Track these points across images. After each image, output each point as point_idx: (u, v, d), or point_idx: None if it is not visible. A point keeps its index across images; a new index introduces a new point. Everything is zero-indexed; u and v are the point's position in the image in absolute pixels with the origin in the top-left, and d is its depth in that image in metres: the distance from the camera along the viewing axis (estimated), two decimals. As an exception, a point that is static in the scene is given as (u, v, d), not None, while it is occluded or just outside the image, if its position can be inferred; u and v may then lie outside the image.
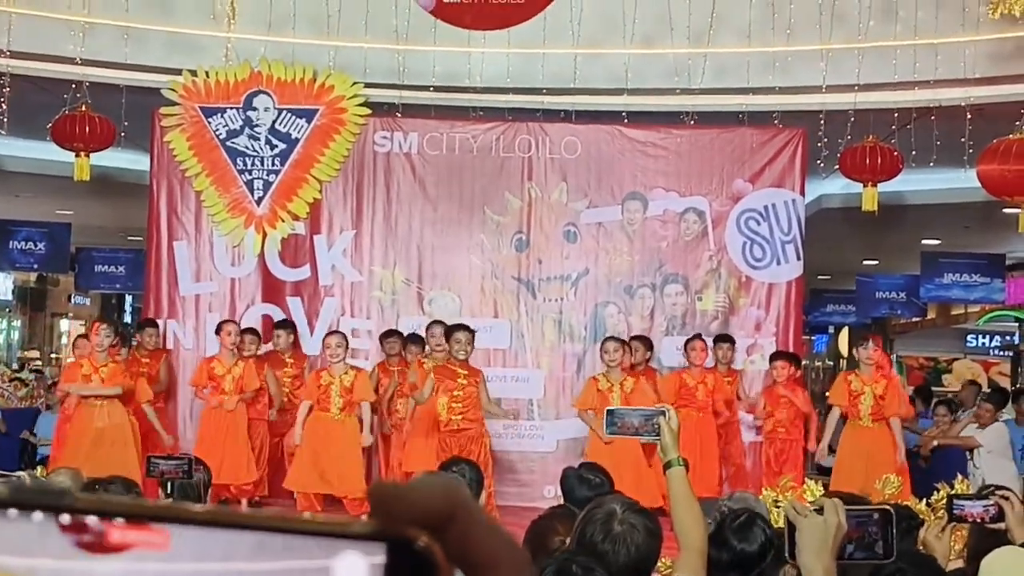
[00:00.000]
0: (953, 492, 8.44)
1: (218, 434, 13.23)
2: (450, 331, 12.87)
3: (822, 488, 10.42)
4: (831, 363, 36.86)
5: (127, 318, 32.15)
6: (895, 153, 14.15)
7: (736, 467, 14.13)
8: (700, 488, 12.50)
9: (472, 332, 12.82)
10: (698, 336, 14.00)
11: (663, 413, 4.57)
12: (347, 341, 13.25)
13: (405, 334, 14.17)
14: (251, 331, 13.97)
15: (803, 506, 3.22)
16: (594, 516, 4.32)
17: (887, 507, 3.34)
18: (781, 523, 9.65)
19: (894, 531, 3.26)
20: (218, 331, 13.65)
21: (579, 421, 13.96)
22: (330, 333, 13.47)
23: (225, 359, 13.37)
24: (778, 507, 9.86)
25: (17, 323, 32.22)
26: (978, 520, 5.38)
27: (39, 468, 10.40)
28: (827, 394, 14.04)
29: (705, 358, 13.81)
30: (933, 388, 24.21)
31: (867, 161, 14.10)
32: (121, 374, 13.13)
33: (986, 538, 5.19)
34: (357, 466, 12.99)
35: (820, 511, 3.17)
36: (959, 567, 5.54)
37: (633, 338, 14.24)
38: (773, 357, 14.02)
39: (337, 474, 12.78)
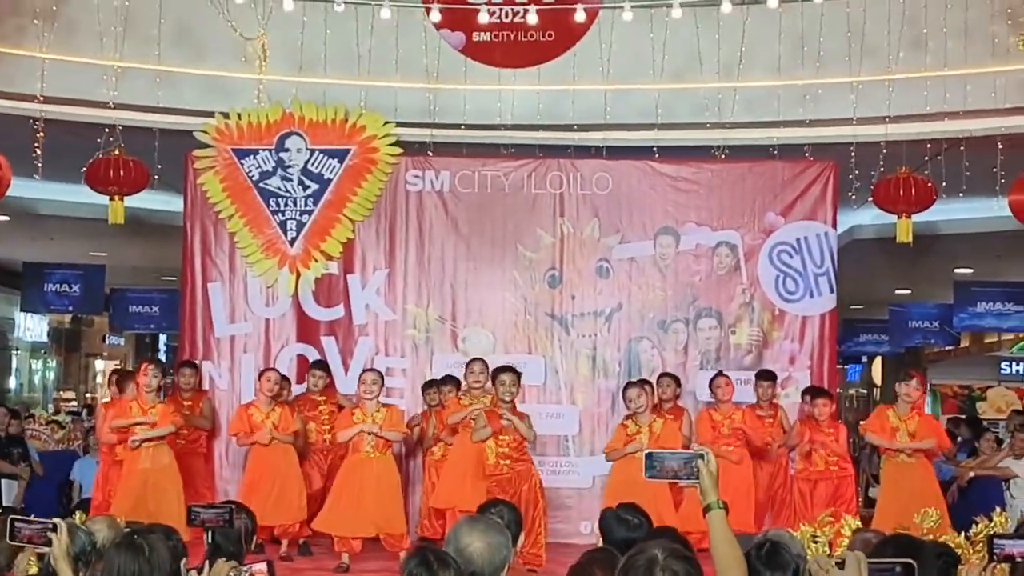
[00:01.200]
0: (993, 531, 8.39)
1: (267, 474, 13.21)
2: (496, 373, 12.81)
3: (859, 523, 10.34)
4: (864, 392, 36.77)
5: (161, 358, 32.26)
6: (928, 184, 14.12)
7: (781, 502, 14.04)
8: (736, 524, 12.55)
9: (518, 374, 12.78)
10: (720, 373, 13.96)
11: (702, 456, 4.59)
12: (383, 379, 13.22)
13: (440, 372, 14.15)
14: (284, 378, 14.01)
15: (826, 560, 3.22)
16: (636, 563, 4.31)
17: (910, 562, 3.34)
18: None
19: None
20: (260, 378, 13.63)
21: (615, 457, 14.00)
22: (367, 370, 13.41)
23: (262, 405, 13.37)
24: (816, 542, 9.84)
25: (52, 364, 32.35)
26: (1019, 559, 5.37)
27: (77, 514, 10.38)
28: (861, 424, 13.87)
29: (731, 393, 13.74)
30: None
31: (901, 192, 14.07)
32: (171, 413, 13.13)
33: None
34: (396, 502, 12.93)
35: (841, 565, 3.17)
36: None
37: (662, 375, 14.23)
38: (815, 394, 13.87)
39: (378, 513, 12.72)
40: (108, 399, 14.10)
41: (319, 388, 14.13)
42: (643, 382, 13.64)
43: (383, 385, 13.23)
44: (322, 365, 14.39)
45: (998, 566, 5.48)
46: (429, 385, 14.29)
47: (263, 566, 5.08)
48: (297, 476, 13.38)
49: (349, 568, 12.48)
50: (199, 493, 13.88)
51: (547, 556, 12.36)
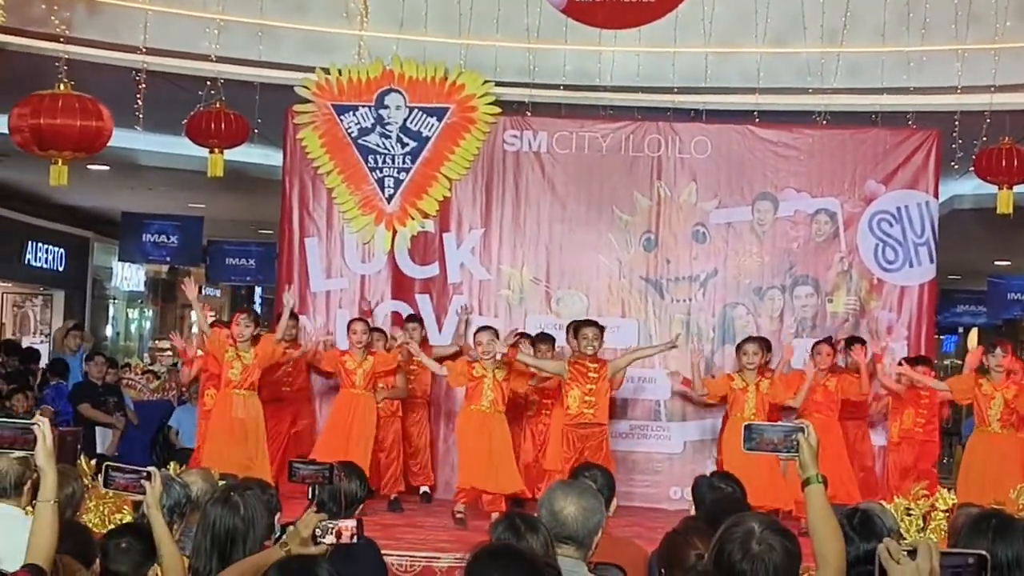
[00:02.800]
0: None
1: (346, 423, 13.29)
2: (578, 327, 12.90)
3: (954, 498, 10.25)
4: (959, 362, 36.40)
5: (257, 310, 32.49)
6: (1031, 155, 13.93)
7: (866, 471, 13.96)
8: (834, 495, 12.52)
9: (601, 328, 12.81)
10: (827, 339, 13.85)
11: (802, 429, 4.55)
12: (499, 336, 13.06)
13: (533, 334, 14.10)
14: (378, 330, 14.06)
15: (897, 548, 3.16)
16: (733, 535, 4.30)
17: (983, 553, 3.27)
18: (913, 532, 9.51)
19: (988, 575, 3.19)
20: (348, 329, 13.70)
21: (706, 422, 13.97)
22: (482, 329, 13.23)
23: (356, 355, 13.43)
24: (910, 515, 9.77)
25: (148, 313, 32.67)
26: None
27: (171, 464, 10.49)
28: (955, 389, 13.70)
29: (831, 362, 13.63)
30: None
31: (1003, 163, 13.91)
32: (269, 346, 13.18)
33: None
34: (512, 462, 12.91)
35: (913, 554, 3.11)
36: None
37: (753, 339, 14.11)
38: (913, 362, 13.83)
39: (501, 470, 12.71)
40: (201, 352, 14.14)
41: (416, 341, 14.17)
42: (762, 340, 13.62)
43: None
44: (416, 319, 14.43)
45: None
46: (522, 337, 14.23)
47: (352, 522, 5.10)
48: (371, 431, 13.35)
49: (465, 520, 12.46)
50: (299, 445, 13.93)
51: (634, 520, 12.35)
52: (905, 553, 3.11)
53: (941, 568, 3.12)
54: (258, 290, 33.27)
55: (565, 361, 12.79)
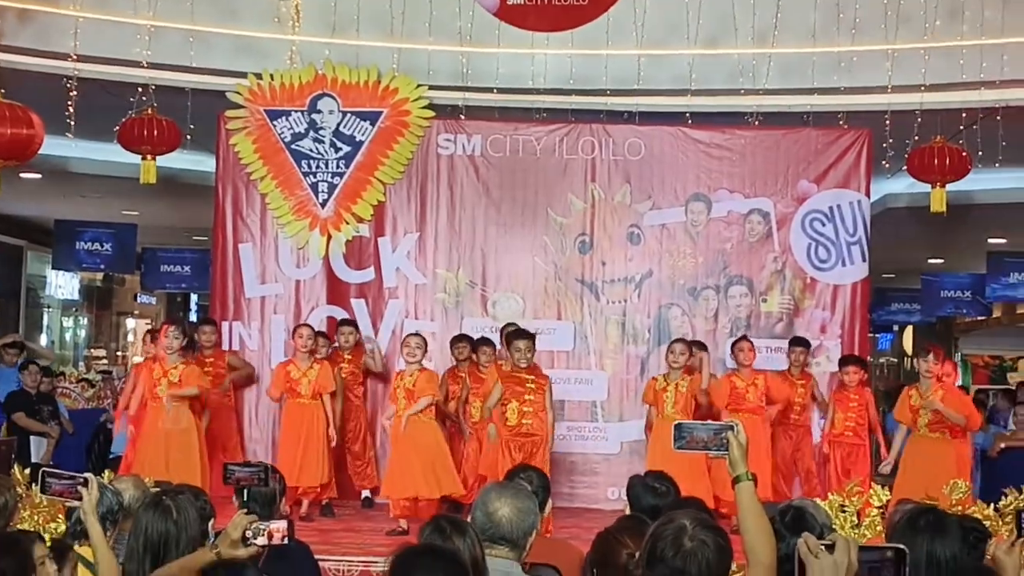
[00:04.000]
0: (1017, 504, 8.35)
1: (300, 435, 13.23)
2: (511, 338, 12.81)
3: (888, 492, 10.31)
4: (895, 360, 36.70)
5: (192, 317, 32.37)
6: (963, 154, 14.00)
7: (806, 471, 14.04)
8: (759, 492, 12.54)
9: (533, 337, 12.76)
10: (744, 337, 13.90)
11: (732, 427, 4.57)
12: (426, 344, 13.15)
13: (474, 338, 14.10)
14: (322, 334, 14.03)
15: (816, 543, 3.17)
16: (664, 532, 4.31)
17: (901, 547, 3.30)
18: (847, 529, 9.57)
19: (906, 570, 3.22)
20: (293, 334, 13.67)
21: (642, 423, 13.99)
22: (412, 335, 13.22)
23: (300, 363, 13.38)
24: (844, 512, 9.83)
25: (84, 322, 32.46)
26: (1048, 533, 5.32)
27: (107, 472, 10.42)
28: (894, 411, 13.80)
29: (753, 359, 13.62)
30: (997, 386, 23.97)
31: (935, 161, 13.97)
32: (197, 376, 13.17)
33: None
34: (447, 466, 12.84)
35: (831, 548, 3.12)
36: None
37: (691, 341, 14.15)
38: (844, 361, 13.95)
39: (432, 475, 12.66)
40: (142, 358, 14.11)
41: (350, 345, 14.15)
42: (694, 343, 13.69)
43: (426, 350, 13.18)
44: (350, 323, 14.43)
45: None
46: (459, 339, 14.26)
47: (283, 523, 5.08)
48: (321, 437, 13.31)
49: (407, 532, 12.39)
50: (229, 453, 13.96)
51: (572, 522, 12.40)
52: (823, 548, 3.12)
53: (860, 563, 3.13)
54: (194, 297, 33.14)
55: (497, 381, 12.66)
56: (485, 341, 13.93)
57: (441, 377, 13.74)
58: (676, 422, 4.79)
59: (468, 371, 13.94)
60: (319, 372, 13.33)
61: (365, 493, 14.20)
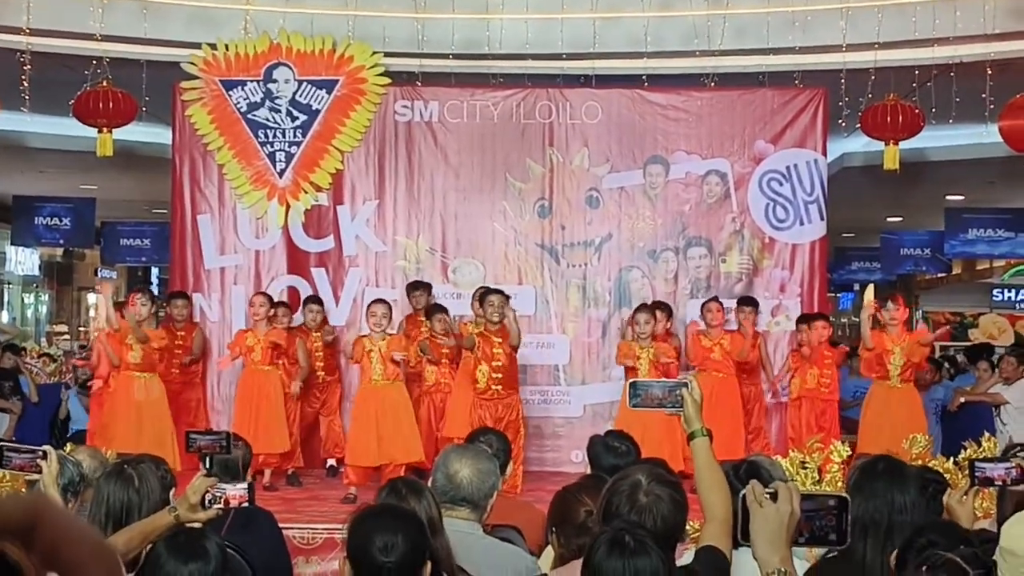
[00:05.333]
0: (975, 456, 8.40)
1: (252, 401, 13.20)
2: (484, 294, 12.81)
3: (849, 449, 10.38)
4: (856, 320, 36.79)
5: (154, 291, 32.25)
6: (916, 111, 14.09)
7: (756, 431, 14.10)
8: (725, 451, 12.61)
9: (507, 296, 12.78)
10: (714, 298, 13.97)
11: (685, 384, 4.60)
12: (391, 311, 13.05)
13: (432, 303, 14.03)
14: (283, 304, 14.02)
15: (761, 490, 3.21)
16: (620, 488, 4.35)
17: (843, 496, 3.34)
18: (809, 484, 9.63)
19: (848, 518, 3.26)
20: (249, 304, 13.66)
21: (605, 386, 14.03)
22: (376, 301, 13.07)
23: (258, 331, 13.35)
24: (805, 468, 9.88)
25: (44, 298, 32.35)
26: (1000, 483, 5.39)
27: (68, 446, 10.41)
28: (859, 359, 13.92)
29: (722, 319, 13.74)
30: (958, 343, 24.10)
31: (888, 119, 14.04)
32: (159, 337, 13.14)
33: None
34: (412, 432, 12.75)
35: (775, 497, 3.15)
36: (984, 527, 5.53)
37: (654, 304, 14.19)
38: (811, 318, 13.99)
39: (398, 441, 12.60)
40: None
41: (317, 323, 14.11)
42: (656, 306, 13.73)
43: (391, 317, 13.06)
44: (317, 300, 14.35)
45: (980, 490, 5.50)
46: (417, 286, 14.26)
47: (243, 486, 5.09)
48: (279, 406, 13.29)
49: (356, 499, 12.37)
50: (194, 425, 13.94)
51: (536, 486, 12.43)
52: (767, 496, 3.15)
53: (802, 511, 3.17)
54: (155, 270, 33.05)
55: (474, 335, 12.68)
56: (439, 308, 13.82)
57: (399, 324, 13.74)
58: (631, 380, 4.83)
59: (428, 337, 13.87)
60: (270, 331, 13.29)
61: (330, 462, 14.19)
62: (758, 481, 3.47)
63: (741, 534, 3.28)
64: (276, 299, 14.15)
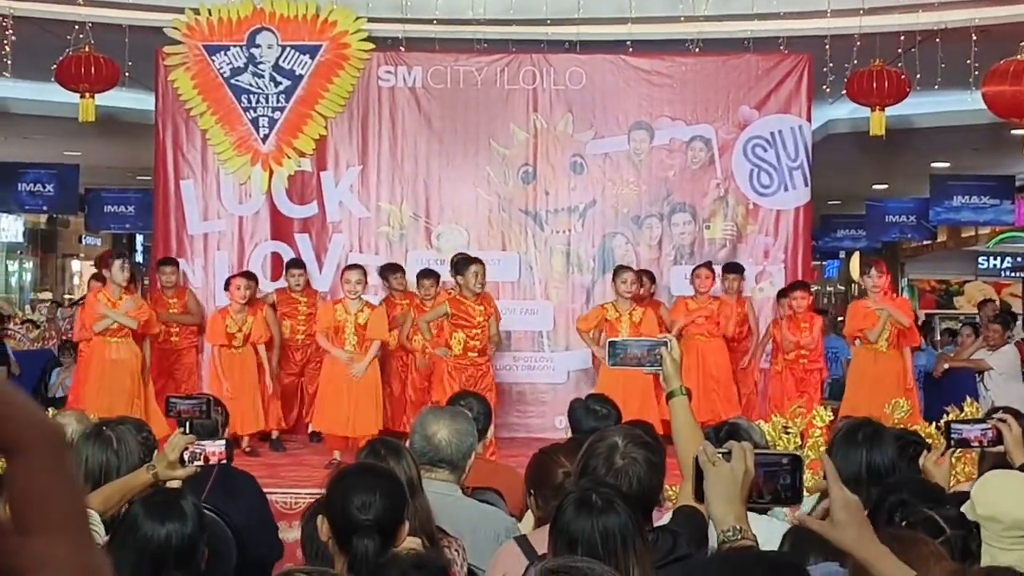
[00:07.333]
0: (952, 418, 8.42)
1: (228, 382, 13.17)
2: (466, 263, 12.71)
3: (831, 414, 10.40)
4: (842, 288, 36.90)
5: (138, 257, 32.20)
6: (902, 76, 14.09)
7: (746, 396, 14.13)
8: (723, 411, 12.68)
9: (483, 263, 12.74)
10: (706, 264, 13.99)
11: (665, 344, 4.59)
12: (366, 277, 13.01)
13: (415, 269, 14.03)
14: (252, 276, 13.87)
15: (714, 451, 3.21)
16: (596, 450, 4.35)
17: (796, 453, 3.34)
18: (791, 448, 9.65)
19: (802, 476, 3.26)
20: (227, 287, 13.60)
21: (589, 352, 13.99)
22: (350, 267, 13.05)
23: (234, 312, 13.29)
24: (788, 433, 9.90)
25: (29, 265, 32.29)
26: (976, 444, 5.41)
27: (50, 411, 10.39)
28: (843, 324, 13.94)
29: (711, 286, 13.78)
30: (944, 310, 24.19)
31: (874, 85, 14.05)
32: (143, 311, 13.07)
33: (999, 464, 5.19)
34: (374, 407, 12.81)
35: (728, 456, 3.15)
36: (963, 490, 5.54)
37: (639, 272, 14.18)
38: (792, 288, 13.97)
39: (356, 415, 12.62)
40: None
41: (300, 287, 14.09)
42: (642, 272, 13.72)
43: (367, 283, 13.07)
44: (300, 264, 14.33)
45: (960, 453, 5.52)
46: (394, 269, 14.22)
47: (220, 444, 5.08)
48: (254, 384, 13.31)
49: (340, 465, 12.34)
50: (193, 390, 13.87)
51: (519, 451, 12.41)
52: (720, 455, 3.14)
53: (756, 468, 3.16)
54: (139, 237, 32.94)
55: (446, 304, 12.68)
56: (426, 273, 13.82)
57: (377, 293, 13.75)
58: (610, 339, 4.82)
59: (402, 300, 13.85)
60: (253, 324, 13.28)
61: (313, 427, 14.19)
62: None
63: (696, 495, 3.27)
64: (259, 265, 14.14)
